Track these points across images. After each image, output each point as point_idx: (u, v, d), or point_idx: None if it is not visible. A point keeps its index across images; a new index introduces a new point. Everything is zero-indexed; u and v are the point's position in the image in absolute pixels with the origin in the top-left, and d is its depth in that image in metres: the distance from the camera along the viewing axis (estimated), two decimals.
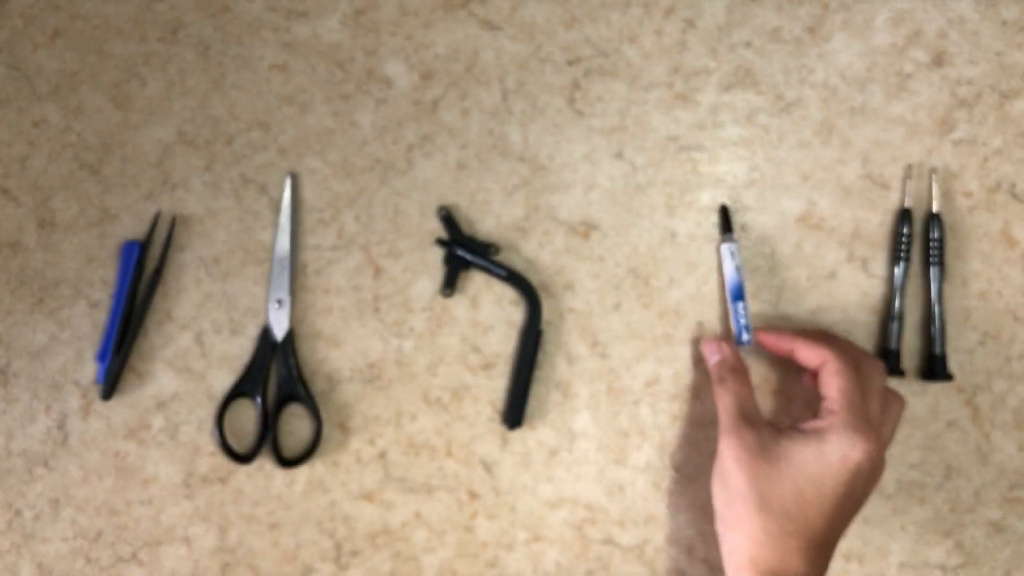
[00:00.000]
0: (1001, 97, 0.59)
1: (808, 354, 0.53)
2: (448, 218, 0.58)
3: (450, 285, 0.58)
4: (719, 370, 0.55)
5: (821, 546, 0.49)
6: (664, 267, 0.59)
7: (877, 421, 0.51)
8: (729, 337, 0.58)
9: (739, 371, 0.55)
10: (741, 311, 0.57)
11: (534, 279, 0.58)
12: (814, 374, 0.54)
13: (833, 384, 0.51)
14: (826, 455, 0.49)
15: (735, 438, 0.51)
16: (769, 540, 0.49)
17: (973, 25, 0.60)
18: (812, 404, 0.56)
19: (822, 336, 0.55)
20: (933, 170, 0.59)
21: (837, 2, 0.60)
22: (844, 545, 0.58)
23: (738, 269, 0.58)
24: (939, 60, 0.59)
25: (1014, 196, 0.59)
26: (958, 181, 0.59)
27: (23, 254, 0.58)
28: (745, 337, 0.57)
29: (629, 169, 0.59)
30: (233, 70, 0.59)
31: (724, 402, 0.53)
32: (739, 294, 0.57)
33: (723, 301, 0.58)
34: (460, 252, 0.57)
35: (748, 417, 0.52)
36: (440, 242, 0.58)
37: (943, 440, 0.58)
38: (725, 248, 0.58)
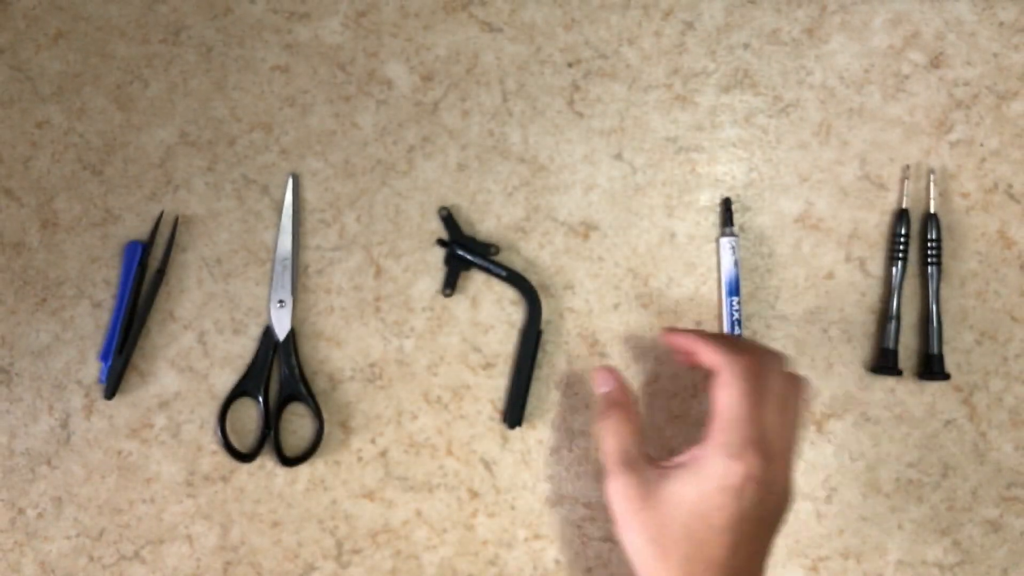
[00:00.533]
0: (998, 98, 0.60)
1: (706, 358, 0.50)
2: (449, 218, 0.58)
3: (450, 285, 0.58)
4: (603, 403, 0.53)
5: (750, 571, 0.48)
6: (663, 267, 0.59)
7: (773, 429, 0.48)
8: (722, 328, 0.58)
9: (624, 406, 0.53)
10: (735, 306, 0.57)
11: (534, 279, 0.58)
12: None
13: (718, 398, 0.48)
14: (703, 487, 0.47)
15: (618, 484, 0.49)
16: None
17: (970, 27, 0.60)
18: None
19: (722, 340, 0.51)
20: (931, 171, 0.59)
21: (835, 4, 0.60)
22: (841, 543, 0.58)
23: (736, 263, 0.58)
24: (936, 61, 0.60)
25: (1011, 197, 0.59)
26: (955, 182, 0.59)
27: (26, 254, 0.58)
28: (737, 331, 0.57)
29: (628, 170, 0.59)
30: (235, 71, 0.59)
31: (605, 443, 0.51)
32: (734, 289, 0.58)
33: (721, 300, 0.59)
34: (460, 252, 0.58)
35: (628, 460, 0.50)
36: (441, 242, 0.58)
37: (940, 439, 0.59)
38: (725, 241, 0.58)
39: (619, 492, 0.49)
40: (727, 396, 0.48)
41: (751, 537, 0.47)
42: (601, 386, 0.54)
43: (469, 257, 0.58)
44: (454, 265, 0.58)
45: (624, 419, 0.52)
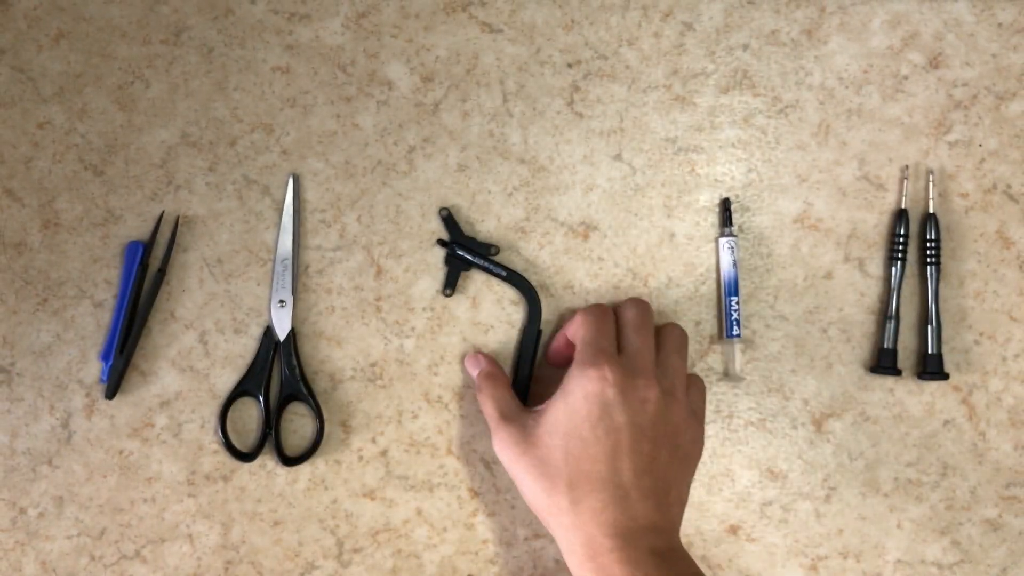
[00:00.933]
0: (997, 99, 0.60)
1: (570, 328, 0.55)
2: (449, 219, 0.58)
3: (450, 285, 0.58)
4: (479, 380, 0.56)
5: (641, 487, 0.48)
6: (663, 267, 0.59)
7: (632, 347, 0.52)
8: (722, 332, 0.58)
9: (496, 376, 0.56)
10: (734, 306, 0.58)
11: (534, 279, 0.58)
12: None
13: (575, 337, 0.53)
14: (569, 403, 0.50)
15: (501, 436, 0.52)
16: (582, 511, 0.48)
17: (969, 27, 0.60)
18: None
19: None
20: (929, 171, 0.59)
21: (834, 5, 0.60)
22: (840, 543, 0.58)
23: (735, 263, 0.58)
24: (935, 62, 0.60)
25: (1010, 197, 0.59)
26: (954, 182, 0.59)
27: (27, 254, 0.58)
28: (735, 331, 0.57)
29: (628, 170, 0.59)
30: (236, 72, 0.59)
31: (486, 408, 0.55)
32: (733, 289, 0.58)
33: (720, 300, 0.59)
34: (460, 252, 0.58)
35: (506, 414, 0.53)
36: (441, 242, 0.58)
37: (939, 439, 0.59)
38: (724, 242, 0.58)
39: (503, 442, 0.52)
40: (579, 327, 0.53)
41: (632, 450, 0.49)
42: (473, 369, 0.57)
43: (469, 257, 0.58)
44: (454, 265, 0.58)
45: (500, 385, 0.55)
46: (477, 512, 0.58)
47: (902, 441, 0.59)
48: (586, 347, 0.52)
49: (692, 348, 0.59)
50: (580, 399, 0.50)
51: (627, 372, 0.50)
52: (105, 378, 0.57)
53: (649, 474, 0.49)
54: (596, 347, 0.51)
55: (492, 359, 0.58)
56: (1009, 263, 0.59)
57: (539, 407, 0.53)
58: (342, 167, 0.59)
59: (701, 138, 0.60)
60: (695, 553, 0.58)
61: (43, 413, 0.58)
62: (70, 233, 0.59)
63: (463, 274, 0.59)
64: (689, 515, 0.58)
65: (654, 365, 0.52)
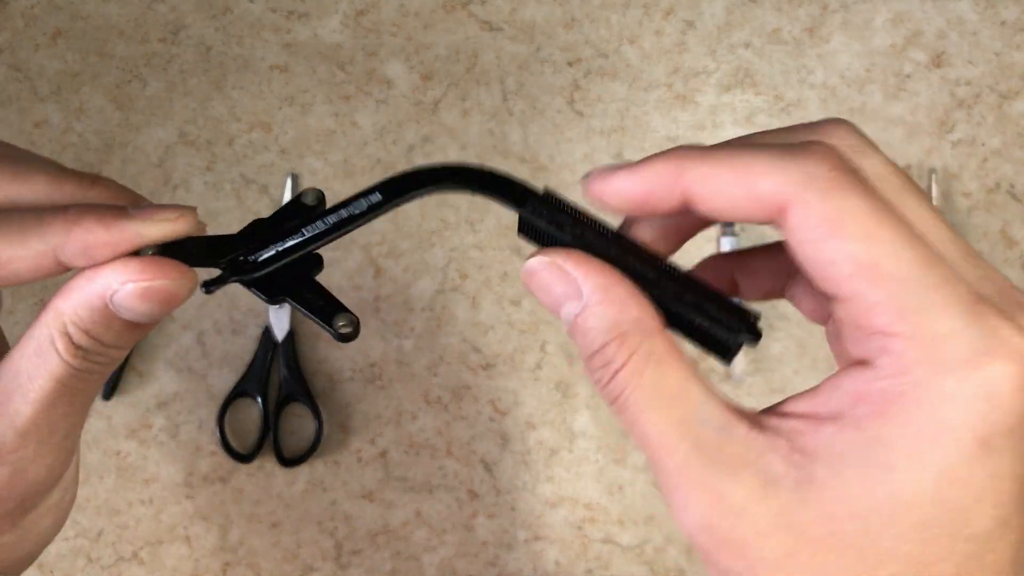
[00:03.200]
0: (1000, 97, 0.59)
1: (742, 194, 0.22)
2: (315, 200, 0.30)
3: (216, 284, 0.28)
4: (622, 345, 0.24)
5: None
6: None
7: (958, 254, 0.22)
8: None
9: (658, 335, 0.25)
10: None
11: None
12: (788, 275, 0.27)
13: (836, 254, 0.21)
14: (933, 447, 0.20)
15: (723, 503, 0.23)
16: None
17: (972, 26, 0.60)
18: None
19: (745, 146, 0.23)
20: (932, 171, 0.59)
21: (836, 3, 0.60)
22: None
23: None
24: (938, 61, 0.60)
25: (1013, 196, 0.59)
26: (957, 181, 0.59)
27: None
28: None
29: None
30: (234, 71, 0.59)
31: (648, 422, 0.24)
32: None
33: None
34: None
35: (720, 447, 0.23)
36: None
37: None
38: (725, 241, 0.58)
39: (731, 518, 0.21)
40: (856, 237, 0.21)
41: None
42: (569, 304, 0.25)
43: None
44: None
45: (668, 357, 0.24)
46: (477, 514, 0.58)
47: None
48: (922, 290, 0.20)
49: (692, 349, 0.58)
50: (965, 438, 0.20)
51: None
52: None
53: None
54: (955, 293, 0.20)
55: (622, 282, 0.24)
56: (1012, 263, 0.59)
57: (781, 415, 0.23)
58: (341, 166, 0.59)
59: (703, 137, 0.59)
60: (697, 556, 0.58)
61: None
62: None
63: (461, 275, 0.58)
64: None
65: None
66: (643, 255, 0.25)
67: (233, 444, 0.57)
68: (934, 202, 0.58)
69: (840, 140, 0.24)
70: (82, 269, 0.24)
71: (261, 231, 0.27)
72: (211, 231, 0.25)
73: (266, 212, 0.58)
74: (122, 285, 0.24)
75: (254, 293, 0.27)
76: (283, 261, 0.27)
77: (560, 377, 0.58)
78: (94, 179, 0.27)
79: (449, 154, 0.59)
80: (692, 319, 0.24)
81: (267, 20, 0.59)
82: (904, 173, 0.23)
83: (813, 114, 0.59)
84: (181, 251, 0.25)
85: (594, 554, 0.58)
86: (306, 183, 0.59)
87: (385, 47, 0.59)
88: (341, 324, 0.26)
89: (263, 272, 0.27)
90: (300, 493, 0.58)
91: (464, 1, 0.59)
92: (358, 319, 0.27)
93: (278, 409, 0.57)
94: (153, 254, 0.25)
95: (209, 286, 0.26)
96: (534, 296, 0.25)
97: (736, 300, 0.24)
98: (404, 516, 0.58)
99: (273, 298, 0.27)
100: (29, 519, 0.27)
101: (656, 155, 0.23)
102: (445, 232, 0.58)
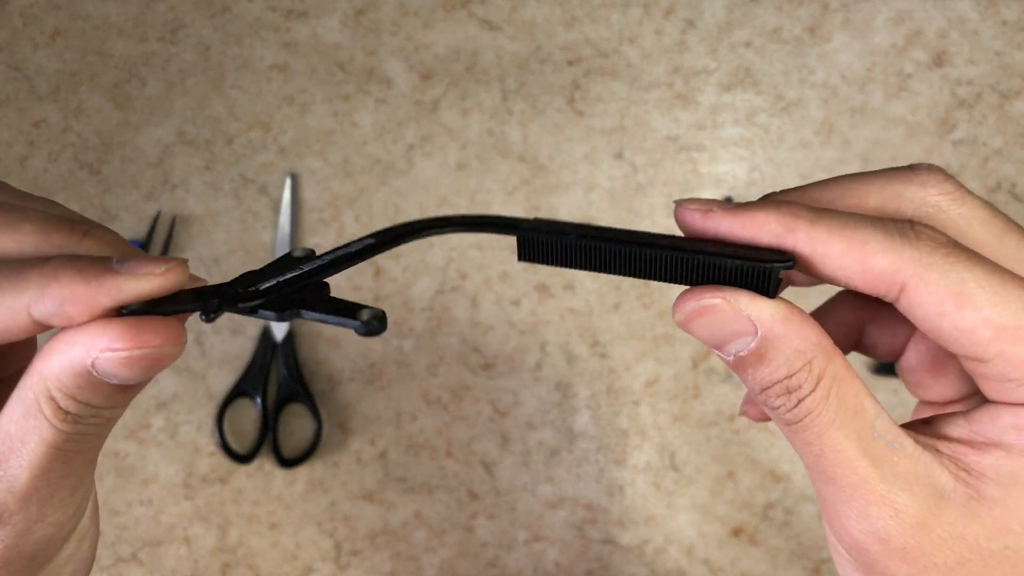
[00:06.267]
0: (1001, 97, 0.59)
1: (860, 268, 0.23)
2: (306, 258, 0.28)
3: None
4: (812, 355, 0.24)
5: None
6: None
7: None
8: None
9: (838, 356, 0.25)
10: None
11: (534, 279, 0.58)
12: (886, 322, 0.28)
13: (978, 323, 0.22)
14: None
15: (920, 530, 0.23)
16: None
17: (973, 25, 0.60)
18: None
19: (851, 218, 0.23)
20: None
21: (837, 2, 0.60)
22: None
23: None
24: (939, 60, 0.59)
25: (1015, 196, 0.59)
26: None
27: None
28: None
29: (629, 169, 0.59)
30: (233, 70, 0.59)
31: (832, 447, 0.24)
32: None
33: None
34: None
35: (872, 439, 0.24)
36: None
37: None
38: None
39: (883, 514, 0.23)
40: (987, 304, 0.22)
41: None
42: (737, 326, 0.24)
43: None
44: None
45: (849, 377, 0.24)
46: (477, 515, 0.58)
47: None
48: None
49: (692, 350, 0.58)
50: None
51: None
52: None
53: None
54: None
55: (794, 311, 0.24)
56: None
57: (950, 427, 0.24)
58: (340, 166, 0.59)
59: (703, 136, 0.59)
60: (697, 556, 0.58)
61: None
62: None
63: (460, 275, 0.58)
64: (691, 518, 0.58)
65: None
66: (653, 235, 0.25)
67: (232, 445, 0.57)
68: None
69: (937, 188, 0.25)
70: (61, 329, 0.22)
71: (253, 276, 0.26)
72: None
73: (265, 212, 0.58)
74: (101, 353, 0.22)
75: (260, 316, 0.26)
76: (284, 290, 0.26)
77: (560, 377, 0.58)
78: (87, 230, 0.24)
79: (449, 154, 0.59)
80: (726, 265, 0.24)
81: (266, 19, 0.59)
82: (1002, 214, 0.25)
83: (814, 113, 0.59)
84: (172, 300, 0.23)
85: (594, 555, 0.58)
86: (305, 183, 0.59)
87: (384, 46, 0.59)
88: (366, 317, 0.25)
89: (265, 300, 0.25)
90: (299, 494, 0.58)
91: (464, 0, 0.59)
92: (383, 311, 0.25)
93: (277, 409, 0.57)
94: (138, 309, 0.23)
95: (209, 314, 0.24)
96: (690, 333, 0.24)
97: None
98: (404, 516, 0.58)
99: (283, 315, 0.25)
100: (44, 573, 0.26)
101: (763, 205, 0.24)
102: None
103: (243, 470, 0.58)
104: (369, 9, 0.59)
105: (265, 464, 0.58)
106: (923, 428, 0.25)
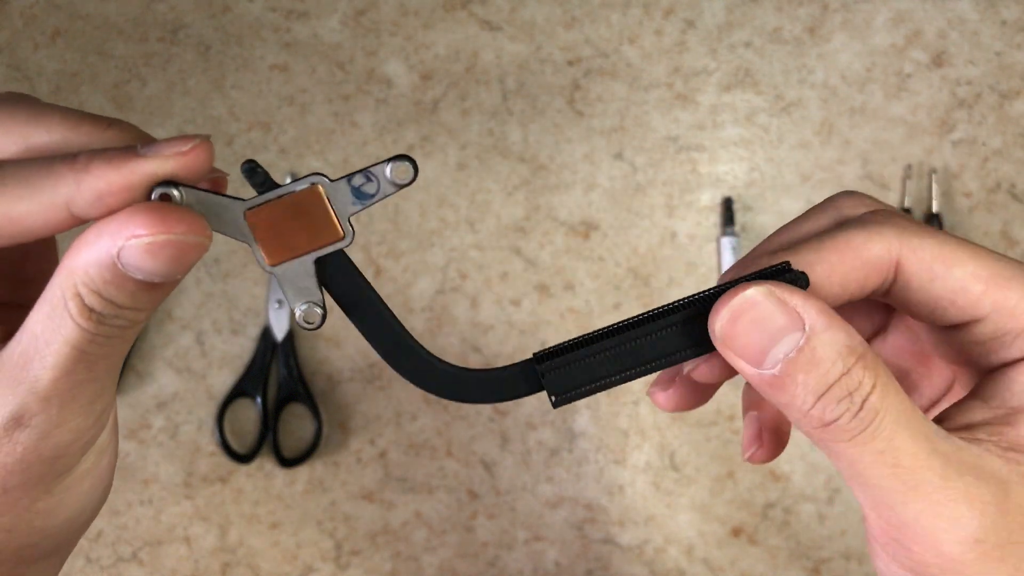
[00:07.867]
0: (1001, 97, 0.59)
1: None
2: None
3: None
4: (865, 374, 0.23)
5: None
6: (664, 267, 0.59)
7: None
8: None
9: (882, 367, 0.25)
10: None
11: (534, 279, 0.58)
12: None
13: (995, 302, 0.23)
14: None
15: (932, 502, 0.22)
16: None
17: (973, 25, 0.60)
18: None
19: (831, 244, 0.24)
20: (933, 170, 0.59)
21: (837, 2, 0.60)
22: (843, 545, 0.58)
23: None
24: (939, 60, 0.60)
25: (1014, 196, 0.59)
26: (958, 181, 0.59)
27: None
28: None
29: (629, 169, 0.59)
30: (233, 70, 0.59)
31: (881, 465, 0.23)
32: None
33: None
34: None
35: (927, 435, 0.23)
36: None
37: None
38: (726, 241, 0.58)
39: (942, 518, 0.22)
40: (967, 259, 0.23)
41: None
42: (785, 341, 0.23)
43: None
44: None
45: (897, 389, 0.22)
46: (477, 514, 0.58)
47: None
48: None
49: None
50: None
51: None
52: None
53: None
54: None
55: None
56: None
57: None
58: (340, 166, 0.59)
59: (703, 136, 0.59)
60: (696, 555, 0.58)
61: None
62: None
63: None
64: (691, 517, 0.58)
65: None
66: (664, 306, 0.25)
67: (232, 444, 0.57)
68: (934, 202, 0.58)
69: (859, 203, 0.26)
70: (96, 221, 0.23)
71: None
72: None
73: None
74: (127, 240, 0.22)
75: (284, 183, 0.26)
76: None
77: None
78: (110, 121, 0.25)
79: (449, 154, 0.59)
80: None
81: (266, 19, 0.59)
82: (921, 222, 0.25)
83: (813, 113, 0.59)
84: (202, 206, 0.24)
85: (594, 554, 0.58)
86: None
87: (385, 47, 0.59)
88: (400, 167, 0.24)
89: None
90: (300, 493, 0.58)
91: (464, 1, 0.59)
92: (413, 158, 0.24)
93: (277, 409, 0.57)
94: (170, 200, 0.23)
95: (254, 170, 0.26)
96: (733, 343, 0.22)
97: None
98: (404, 516, 0.58)
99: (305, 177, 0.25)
100: (63, 484, 0.26)
101: (758, 252, 0.24)
102: (445, 232, 0.58)
103: (243, 470, 0.58)
104: (369, 9, 0.59)
105: (265, 464, 0.58)
106: (944, 424, 0.23)
